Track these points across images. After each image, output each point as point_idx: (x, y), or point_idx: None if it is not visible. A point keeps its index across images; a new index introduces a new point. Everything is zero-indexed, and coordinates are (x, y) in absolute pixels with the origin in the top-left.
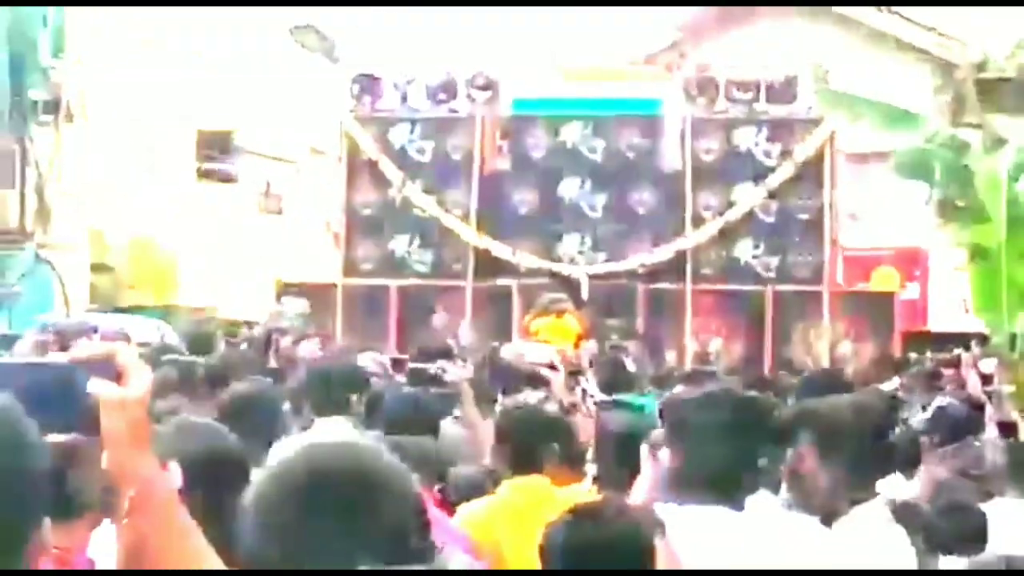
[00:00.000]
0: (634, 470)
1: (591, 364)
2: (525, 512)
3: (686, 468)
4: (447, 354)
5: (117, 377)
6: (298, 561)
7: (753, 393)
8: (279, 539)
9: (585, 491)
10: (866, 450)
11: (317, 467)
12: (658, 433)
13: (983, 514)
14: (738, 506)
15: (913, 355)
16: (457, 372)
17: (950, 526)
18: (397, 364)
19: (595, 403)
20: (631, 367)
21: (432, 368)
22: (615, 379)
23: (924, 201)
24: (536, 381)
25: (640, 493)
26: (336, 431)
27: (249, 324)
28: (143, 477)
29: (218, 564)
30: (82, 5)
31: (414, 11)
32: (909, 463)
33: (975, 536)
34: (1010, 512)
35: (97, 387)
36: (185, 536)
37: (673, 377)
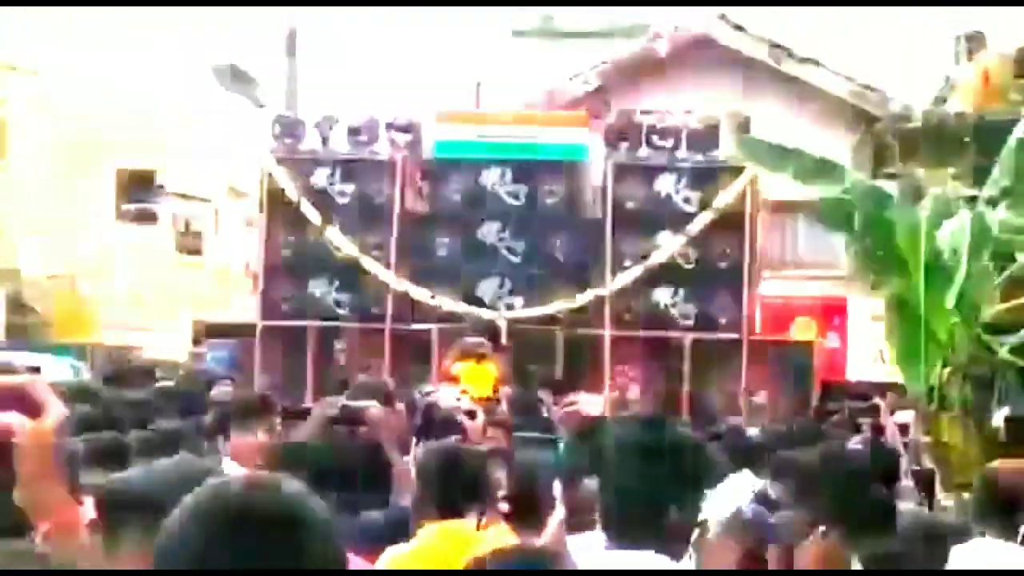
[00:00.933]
0: (546, 506)
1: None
2: (449, 558)
3: (606, 501)
4: (381, 394)
5: (31, 411)
6: None
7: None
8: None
9: (506, 532)
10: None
11: (238, 505)
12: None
13: None
14: (673, 553)
15: (832, 405)
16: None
17: None
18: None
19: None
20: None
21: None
22: (529, 421)
23: (852, 252)
24: (453, 428)
25: (552, 530)
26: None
27: (174, 364)
28: (56, 511)
29: None
30: (71, 5)
31: (335, 51)
32: None
33: None
34: None
35: (9, 420)
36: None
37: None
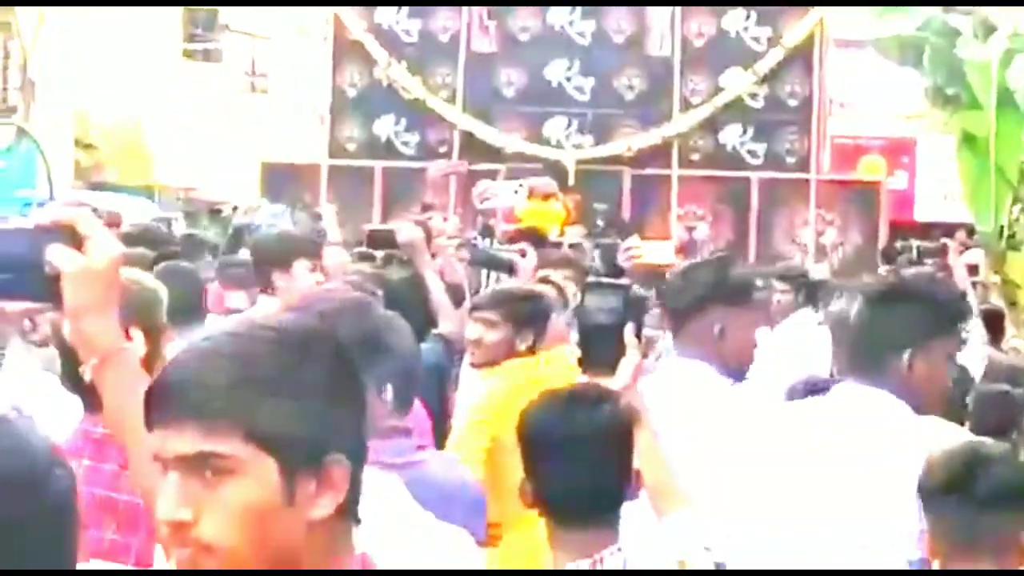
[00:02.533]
0: (618, 354)
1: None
2: (519, 390)
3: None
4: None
5: (79, 245)
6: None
7: None
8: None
9: (569, 372)
10: None
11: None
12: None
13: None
14: None
15: (900, 244)
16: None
17: None
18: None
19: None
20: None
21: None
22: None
23: (923, 89)
24: (503, 266)
25: (624, 377)
26: None
27: (234, 207)
28: (105, 346)
29: None
30: (66, 5)
31: None
32: None
33: None
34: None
35: (57, 255)
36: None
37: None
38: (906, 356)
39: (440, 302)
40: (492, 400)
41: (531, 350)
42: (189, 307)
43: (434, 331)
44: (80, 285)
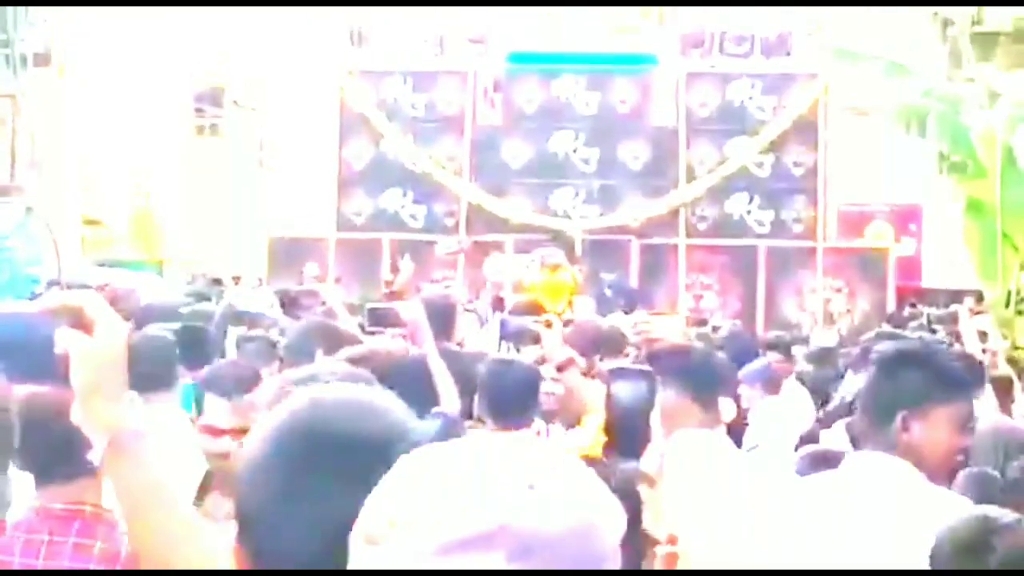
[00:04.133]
0: (645, 439)
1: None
2: None
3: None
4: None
5: (87, 327)
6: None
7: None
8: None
9: (572, 445)
10: None
11: (324, 422)
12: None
13: None
14: None
15: (908, 310)
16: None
17: None
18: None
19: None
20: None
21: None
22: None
23: (928, 157)
24: (528, 338)
25: (653, 461)
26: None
27: (235, 279)
28: (116, 429)
29: (194, 515)
30: (73, 5)
31: None
32: None
33: None
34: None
35: (64, 337)
36: (158, 489)
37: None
38: (899, 417)
39: (443, 380)
40: None
41: None
42: (159, 375)
43: (435, 409)
44: (88, 367)
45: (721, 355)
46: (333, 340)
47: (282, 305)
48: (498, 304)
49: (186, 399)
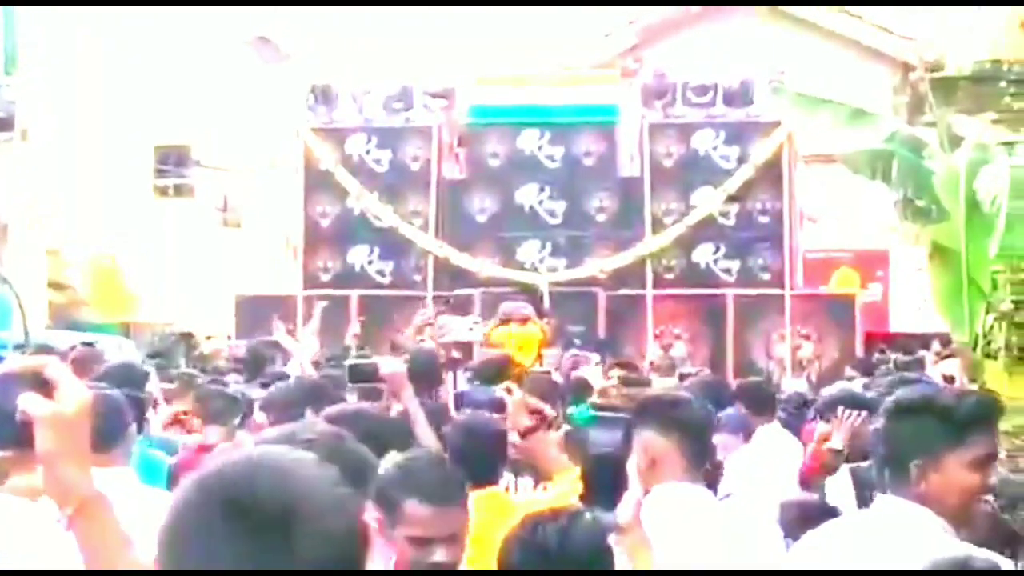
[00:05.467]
0: (621, 488)
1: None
2: (484, 526)
3: None
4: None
5: (49, 392)
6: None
7: None
8: (189, 557)
9: (543, 499)
10: None
11: (234, 485)
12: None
13: None
14: None
15: (877, 356)
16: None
17: None
18: None
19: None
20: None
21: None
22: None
23: (892, 202)
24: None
25: (628, 511)
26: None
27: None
28: (80, 494)
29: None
30: (72, 5)
31: (370, 19)
32: None
33: None
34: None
35: (26, 402)
36: (125, 549)
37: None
38: (913, 468)
39: (424, 435)
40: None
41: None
42: (110, 435)
43: None
44: (51, 432)
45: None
46: (319, 398)
47: (246, 360)
48: (452, 364)
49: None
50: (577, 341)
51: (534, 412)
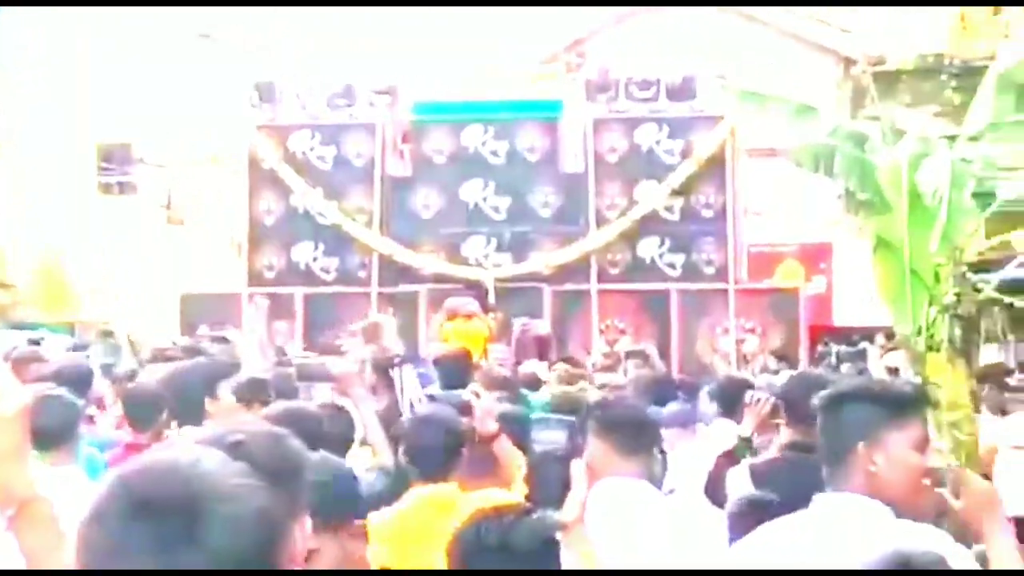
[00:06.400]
0: (566, 488)
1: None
2: (431, 523)
3: None
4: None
5: None
6: None
7: None
8: (97, 557)
9: (495, 495)
10: None
11: (138, 481)
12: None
13: None
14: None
15: (820, 349)
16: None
17: None
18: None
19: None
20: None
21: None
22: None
23: (836, 195)
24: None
25: (573, 509)
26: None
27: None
28: (20, 495)
29: None
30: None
31: (313, 16)
32: None
33: None
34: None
35: None
36: (64, 551)
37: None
38: (860, 448)
39: (376, 435)
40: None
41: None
42: (58, 434)
43: (372, 464)
44: None
45: (650, 409)
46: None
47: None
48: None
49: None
50: (525, 319)
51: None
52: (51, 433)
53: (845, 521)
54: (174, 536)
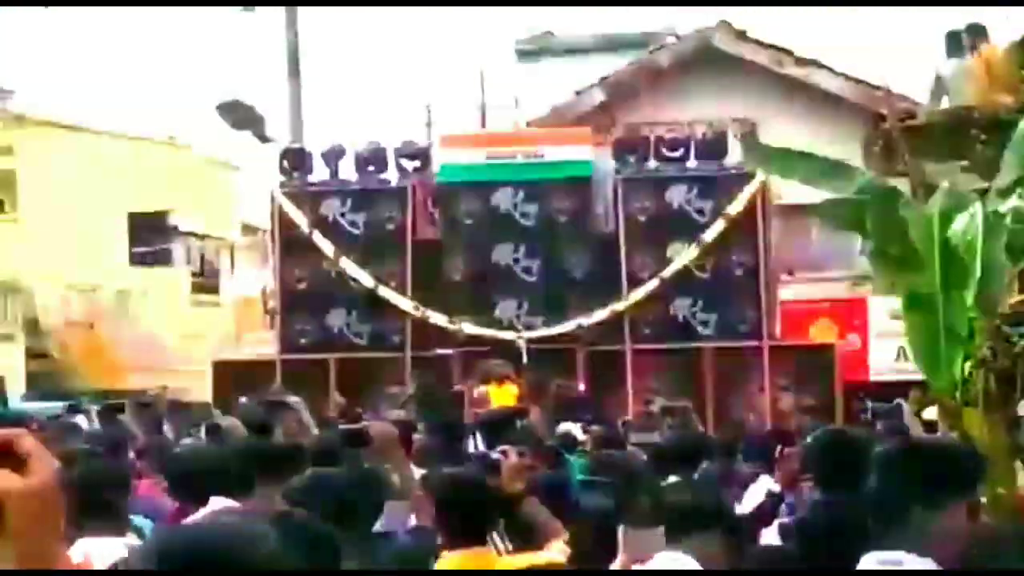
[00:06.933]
0: (611, 551)
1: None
2: None
3: None
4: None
5: (18, 466)
6: None
7: None
8: None
9: (533, 558)
10: None
11: (173, 552)
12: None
13: None
14: None
15: (855, 405)
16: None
17: None
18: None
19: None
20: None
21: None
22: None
23: (867, 252)
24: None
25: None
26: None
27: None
28: (54, 568)
29: None
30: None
31: (337, 76)
32: None
33: None
34: None
35: None
36: None
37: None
38: (933, 518)
39: (416, 496)
40: None
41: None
42: (109, 505)
43: (413, 524)
44: (23, 508)
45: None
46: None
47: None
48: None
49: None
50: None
51: (530, 468)
52: (98, 503)
53: None
54: None
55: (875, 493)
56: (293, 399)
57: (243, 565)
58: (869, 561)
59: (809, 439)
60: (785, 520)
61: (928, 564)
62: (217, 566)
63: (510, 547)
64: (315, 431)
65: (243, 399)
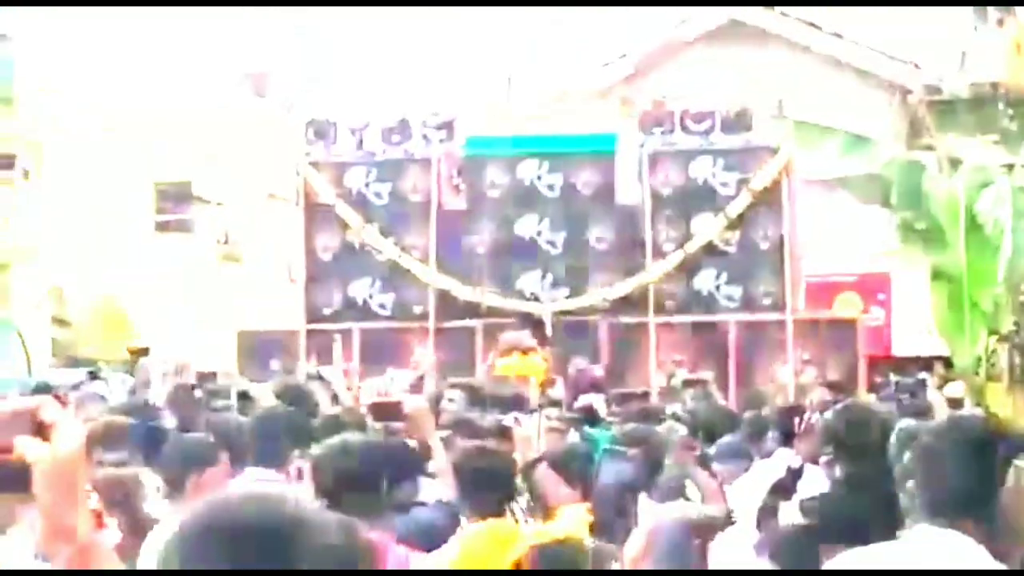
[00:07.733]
0: (630, 519)
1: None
2: (493, 557)
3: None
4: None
5: (44, 433)
6: None
7: None
8: None
9: (552, 530)
10: None
11: (224, 518)
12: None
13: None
14: None
15: (879, 380)
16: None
17: None
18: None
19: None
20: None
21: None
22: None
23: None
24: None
25: (638, 542)
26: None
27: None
28: (79, 536)
29: None
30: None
31: (368, 53)
32: None
33: None
34: None
35: (23, 445)
36: None
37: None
38: (996, 498)
39: (445, 470)
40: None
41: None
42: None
43: (437, 499)
44: (49, 475)
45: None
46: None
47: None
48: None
49: None
50: (580, 360)
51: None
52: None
53: (939, 556)
54: (259, 562)
55: (912, 470)
56: (327, 370)
57: (289, 540)
58: (916, 535)
59: (831, 413)
60: (806, 496)
61: (973, 544)
62: (265, 538)
63: (528, 518)
64: (348, 403)
65: (274, 364)
